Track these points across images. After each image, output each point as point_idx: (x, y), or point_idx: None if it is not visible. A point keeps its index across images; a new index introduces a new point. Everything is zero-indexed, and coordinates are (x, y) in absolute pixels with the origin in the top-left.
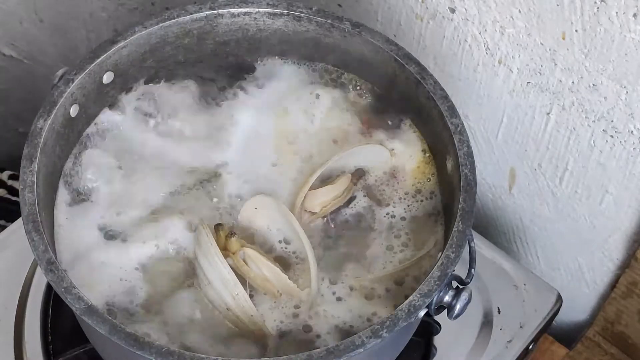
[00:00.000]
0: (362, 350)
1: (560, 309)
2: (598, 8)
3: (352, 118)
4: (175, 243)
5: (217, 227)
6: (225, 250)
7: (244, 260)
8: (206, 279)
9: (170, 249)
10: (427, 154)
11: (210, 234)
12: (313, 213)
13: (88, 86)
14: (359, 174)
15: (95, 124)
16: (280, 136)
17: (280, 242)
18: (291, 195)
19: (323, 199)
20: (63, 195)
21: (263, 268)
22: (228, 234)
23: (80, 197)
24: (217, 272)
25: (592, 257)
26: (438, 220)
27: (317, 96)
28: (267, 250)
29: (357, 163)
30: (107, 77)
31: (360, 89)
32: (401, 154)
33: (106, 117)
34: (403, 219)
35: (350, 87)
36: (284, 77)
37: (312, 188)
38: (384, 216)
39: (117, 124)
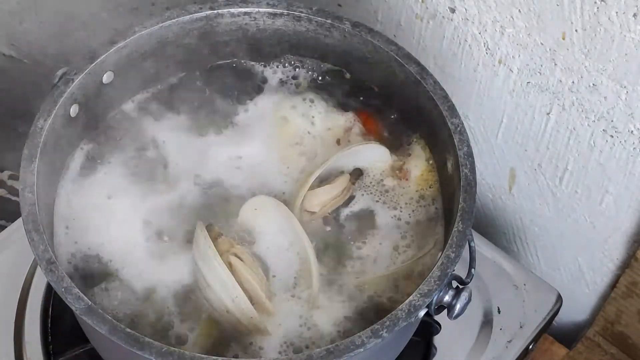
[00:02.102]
0: (362, 350)
1: (560, 309)
2: (598, 8)
3: (353, 118)
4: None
5: (207, 227)
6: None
7: (229, 263)
8: (205, 281)
9: None
10: (431, 162)
11: (208, 237)
12: (312, 213)
13: (88, 86)
14: (357, 173)
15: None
16: (284, 140)
17: (279, 244)
18: (292, 195)
19: (322, 198)
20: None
21: (242, 279)
22: (216, 235)
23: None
24: (215, 275)
25: (592, 257)
26: (439, 221)
27: (312, 101)
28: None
29: (356, 162)
30: (107, 77)
31: (356, 90)
32: (407, 163)
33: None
34: (407, 222)
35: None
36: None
37: (311, 188)
38: (384, 217)
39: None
